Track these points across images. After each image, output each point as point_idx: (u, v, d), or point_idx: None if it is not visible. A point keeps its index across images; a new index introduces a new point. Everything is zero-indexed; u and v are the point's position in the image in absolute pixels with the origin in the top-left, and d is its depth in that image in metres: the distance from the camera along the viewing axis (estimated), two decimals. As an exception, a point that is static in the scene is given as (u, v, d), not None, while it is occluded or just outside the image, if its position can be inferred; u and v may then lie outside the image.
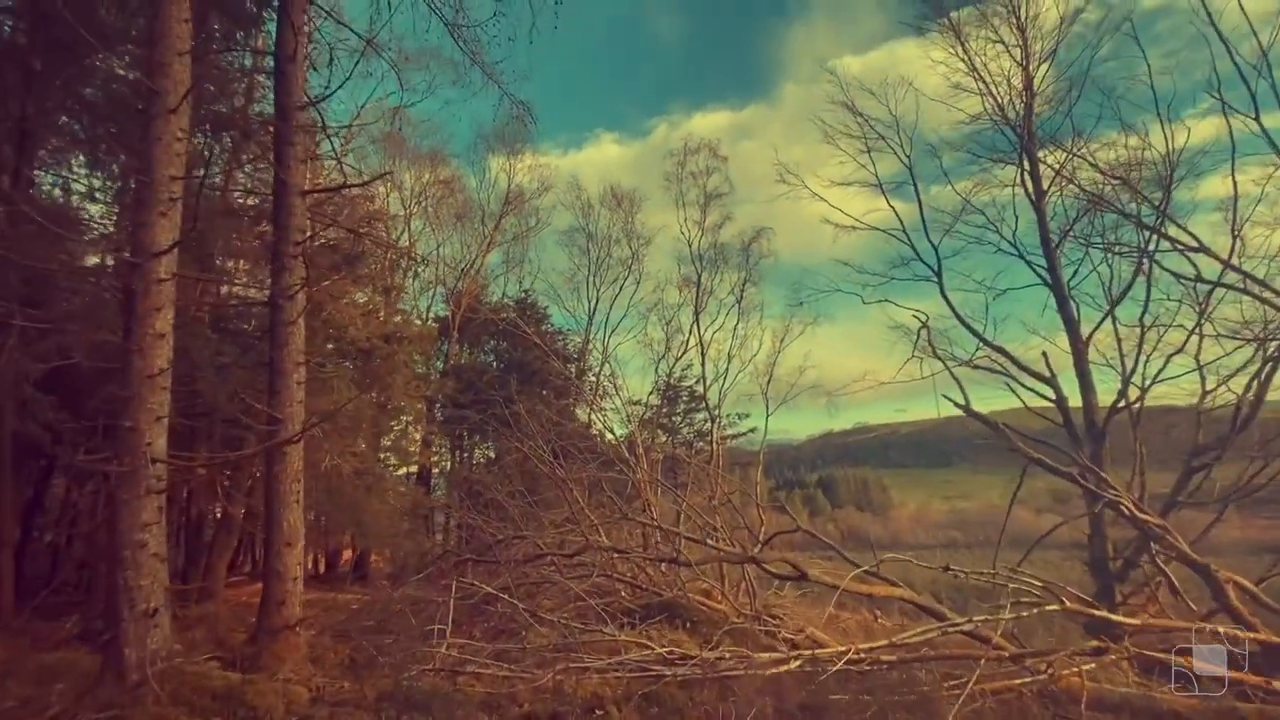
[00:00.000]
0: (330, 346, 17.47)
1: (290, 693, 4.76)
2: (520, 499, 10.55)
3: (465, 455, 26.50)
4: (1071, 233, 17.54)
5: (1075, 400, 16.61)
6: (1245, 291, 13.72)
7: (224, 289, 13.02)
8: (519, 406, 12.88)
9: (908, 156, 19.26)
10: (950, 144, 19.47)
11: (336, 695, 4.96)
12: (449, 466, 26.51)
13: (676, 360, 25.67)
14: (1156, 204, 15.20)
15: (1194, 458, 13.97)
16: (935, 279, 18.40)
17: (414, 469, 22.48)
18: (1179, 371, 15.11)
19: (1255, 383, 13.37)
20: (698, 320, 25.11)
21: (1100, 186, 16.68)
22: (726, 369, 24.58)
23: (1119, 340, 16.44)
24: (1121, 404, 15.69)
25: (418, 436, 22.37)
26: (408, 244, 25.93)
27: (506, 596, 6.79)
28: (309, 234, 7.46)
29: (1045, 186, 18.12)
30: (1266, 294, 13.22)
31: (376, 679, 5.57)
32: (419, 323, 22.09)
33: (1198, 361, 14.83)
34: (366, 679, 5.35)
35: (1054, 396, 16.49)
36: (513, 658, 6.41)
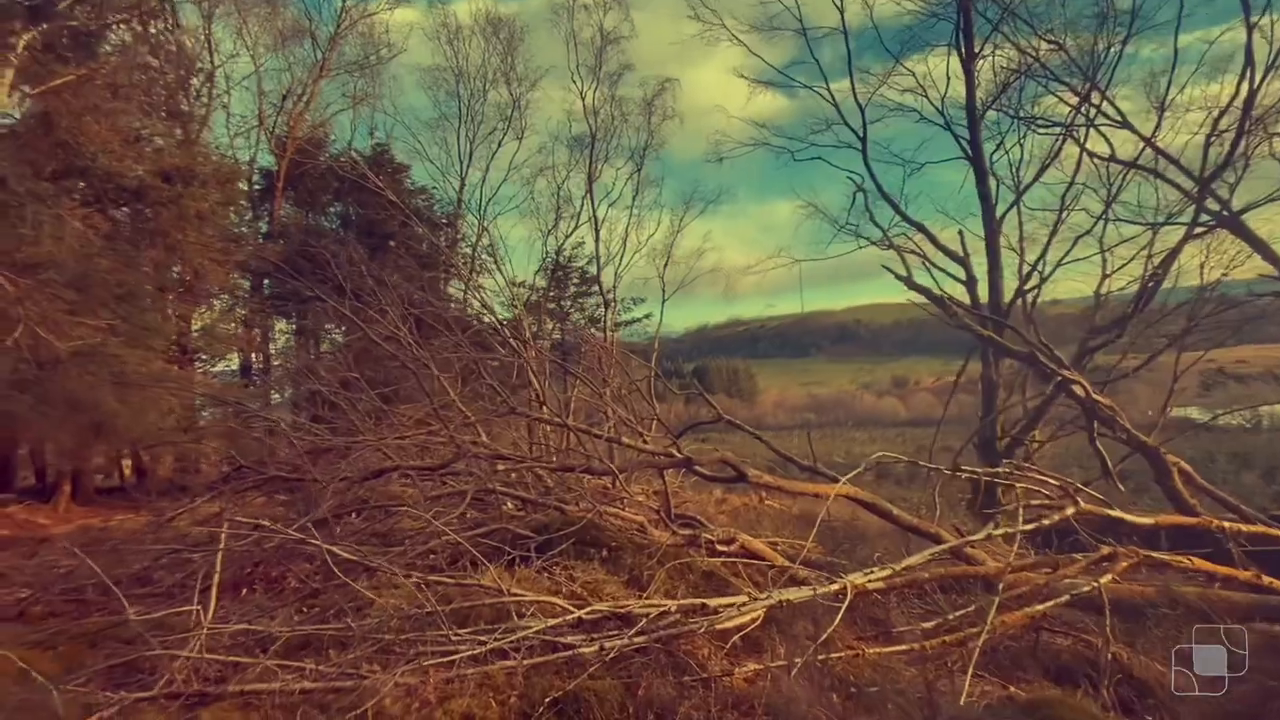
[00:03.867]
0: (81, 184, 12.58)
1: None
2: (364, 393, 7.59)
3: (312, 343, 22.06)
4: (998, 103, 16.53)
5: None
6: (1155, 173, 13.40)
7: None
8: (364, 273, 9.50)
9: (838, -6, 16.61)
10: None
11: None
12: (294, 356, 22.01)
13: (566, 237, 22.45)
14: (1088, 73, 14.33)
15: (1091, 337, 14.13)
16: (859, 145, 16.76)
17: (234, 358, 18.03)
18: (1083, 254, 15.09)
19: (1151, 267, 13.43)
20: (591, 190, 21.79)
21: (1035, 50, 15.54)
22: (623, 249, 21.93)
23: (1021, 225, 16.22)
24: (1023, 289, 15.68)
25: (240, 314, 17.81)
26: (210, 67, 19.36)
27: (316, 541, 4.13)
28: None
29: (977, 48, 16.69)
30: (1173, 172, 12.87)
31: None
32: (219, 159, 16.62)
33: (1101, 245, 14.90)
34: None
35: (964, 278, 16.09)
36: (327, 647, 3.89)
